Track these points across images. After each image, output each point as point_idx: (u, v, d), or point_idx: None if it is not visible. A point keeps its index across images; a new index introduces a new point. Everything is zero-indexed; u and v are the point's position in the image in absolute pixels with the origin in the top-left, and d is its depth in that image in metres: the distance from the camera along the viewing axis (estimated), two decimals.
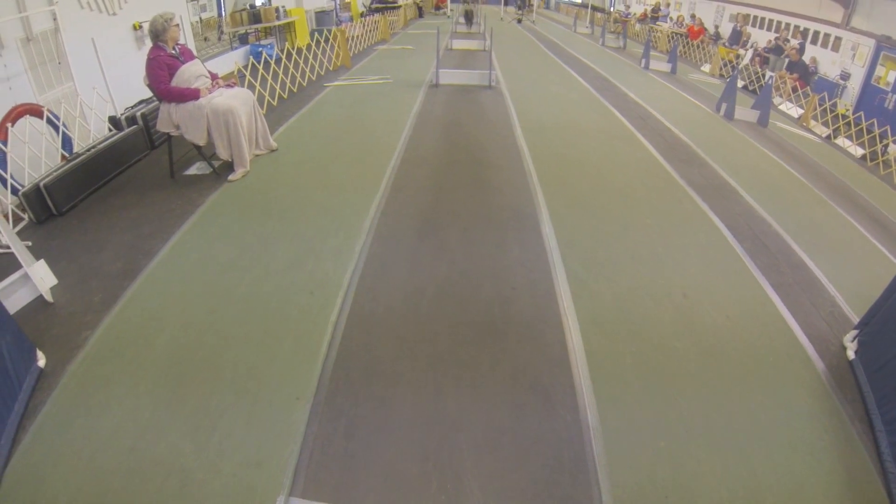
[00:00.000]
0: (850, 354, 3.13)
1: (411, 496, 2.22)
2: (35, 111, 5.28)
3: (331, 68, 10.96)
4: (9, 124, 4.89)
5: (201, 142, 5.12)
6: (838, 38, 13.51)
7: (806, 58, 14.00)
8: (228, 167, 5.38)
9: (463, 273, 3.78)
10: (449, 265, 3.87)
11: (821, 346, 3.26)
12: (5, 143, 4.67)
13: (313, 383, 2.76)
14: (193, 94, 4.94)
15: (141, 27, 7.68)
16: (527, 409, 2.65)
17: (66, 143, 5.37)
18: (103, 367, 2.88)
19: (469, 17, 21.94)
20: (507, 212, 4.74)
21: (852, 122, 10.06)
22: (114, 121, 5.91)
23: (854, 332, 3.23)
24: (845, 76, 13.11)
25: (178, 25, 4.90)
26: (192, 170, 5.51)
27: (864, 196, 6.64)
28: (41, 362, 2.89)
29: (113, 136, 5.58)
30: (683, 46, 17.81)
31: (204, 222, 4.45)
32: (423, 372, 2.87)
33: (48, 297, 3.48)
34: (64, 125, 5.35)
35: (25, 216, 4.54)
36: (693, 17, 20.87)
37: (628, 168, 6.02)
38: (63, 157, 5.20)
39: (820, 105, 10.76)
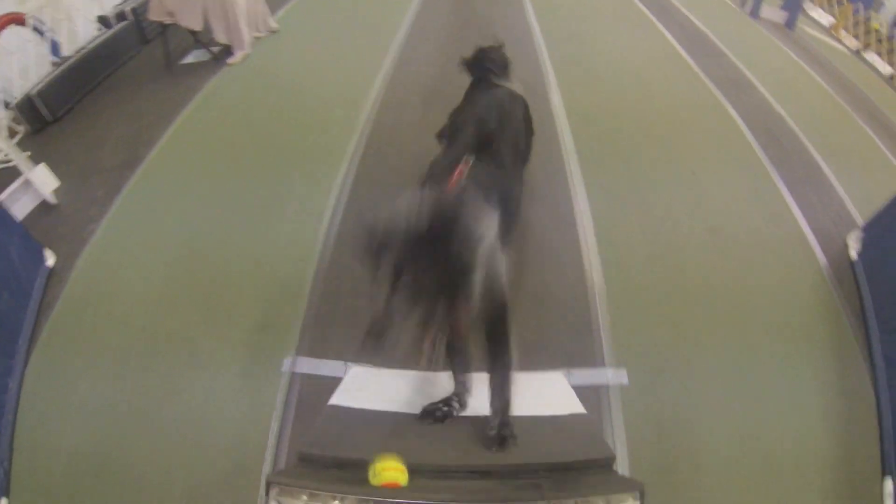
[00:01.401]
0: (853, 254, 3.07)
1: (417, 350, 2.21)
2: (17, 19, 5.09)
3: None
4: None
5: (197, 26, 4.91)
6: None
7: None
8: (227, 51, 5.16)
9: None
10: None
11: (824, 241, 3.20)
12: None
13: (317, 245, 2.76)
14: None
15: None
16: (533, 267, 2.65)
17: (55, 48, 5.18)
18: (111, 257, 2.90)
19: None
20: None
21: (885, 38, 9.48)
22: (103, 20, 5.67)
23: (859, 233, 3.16)
24: None
25: None
26: (189, 58, 5.29)
27: (886, 113, 6.26)
28: (50, 262, 2.91)
29: (102, 35, 5.38)
30: None
31: (204, 106, 4.36)
32: None
33: (52, 200, 3.49)
34: (51, 30, 5.16)
35: (21, 128, 4.44)
36: None
37: (643, 53, 5.76)
38: (53, 62, 5.05)
39: (854, 15, 10.13)
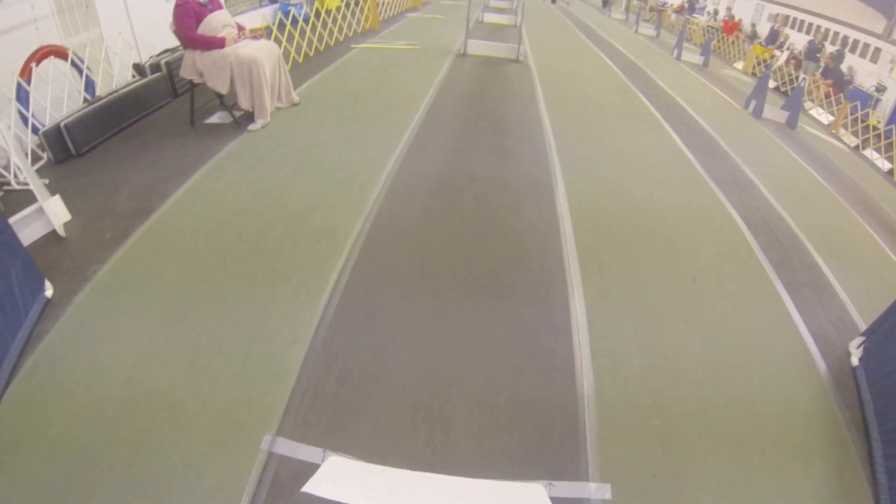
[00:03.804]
0: (854, 361, 3.08)
1: (398, 448, 2.23)
2: (60, 53, 5.27)
3: (359, 31, 10.85)
4: (33, 64, 4.88)
5: (224, 90, 5.11)
6: (878, 49, 13.09)
7: (843, 66, 13.61)
8: (249, 118, 5.38)
9: (473, 233, 3.77)
10: (460, 224, 3.86)
11: (825, 349, 3.21)
12: (28, 83, 4.68)
13: (312, 327, 2.77)
14: (219, 43, 4.93)
15: None
16: (524, 373, 2.65)
17: (90, 86, 5.37)
18: (108, 300, 2.91)
19: None
20: (523, 179, 4.71)
21: (882, 134, 9.80)
22: (138, 67, 5.91)
23: (860, 339, 3.17)
24: (881, 89, 12.68)
25: None
26: (213, 119, 5.52)
27: (885, 209, 6.48)
28: (48, 292, 2.93)
29: (136, 81, 5.60)
30: (718, 41, 17.46)
31: (220, 168, 4.46)
32: (423, 325, 2.87)
33: (61, 232, 3.52)
34: (88, 68, 5.35)
35: (45, 155, 4.57)
36: (727, 10, 20.46)
37: (649, 152, 5.93)
38: (85, 99, 5.22)
39: (851, 114, 10.51)
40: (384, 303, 3.02)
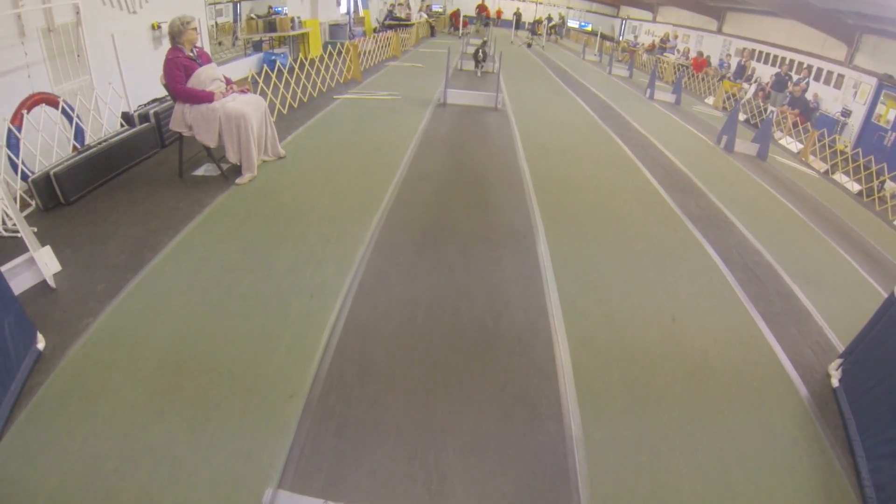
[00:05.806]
0: (835, 382, 3.22)
1: (396, 494, 2.29)
2: (51, 101, 5.35)
3: (341, 81, 11.11)
4: (24, 111, 4.95)
5: (212, 144, 5.23)
6: (841, 76, 13.78)
7: (808, 94, 14.20)
8: (236, 171, 5.49)
9: (459, 286, 3.86)
10: (446, 278, 3.95)
11: (805, 373, 3.36)
12: (19, 130, 4.74)
13: (308, 382, 2.83)
14: (208, 97, 5.06)
15: (159, 27, 7.80)
16: (513, 419, 2.73)
17: (79, 134, 5.45)
18: (102, 354, 2.93)
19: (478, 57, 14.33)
20: (505, 230, 4.84)
21: (850, 158, 10.18)
22: (126, 117, 6.02)
23: (839, 361, 3.33)
24: (846, 113, 13.30)
25: (195, 29, 5.03)
26: (201, 171, 5.62)
27: (857, 230, 6.78)
28: (41, 345, 2.95)
29: (125, 131, 5.70)
30: (688, 78, 18.05)
31: (210, 222, 4.54)
32: (415, 377, 2.94)
33: (51, 283, 3.54)
34: (78, 117, 5.44)
35: (33, 202, 4.61)
36: (694, 50, 21.25)
37: (626, 195, 6.14)
38: (74, 147, 5.28)
39: (819, 141, 10.91)
40: (376, 357, 3.08)
